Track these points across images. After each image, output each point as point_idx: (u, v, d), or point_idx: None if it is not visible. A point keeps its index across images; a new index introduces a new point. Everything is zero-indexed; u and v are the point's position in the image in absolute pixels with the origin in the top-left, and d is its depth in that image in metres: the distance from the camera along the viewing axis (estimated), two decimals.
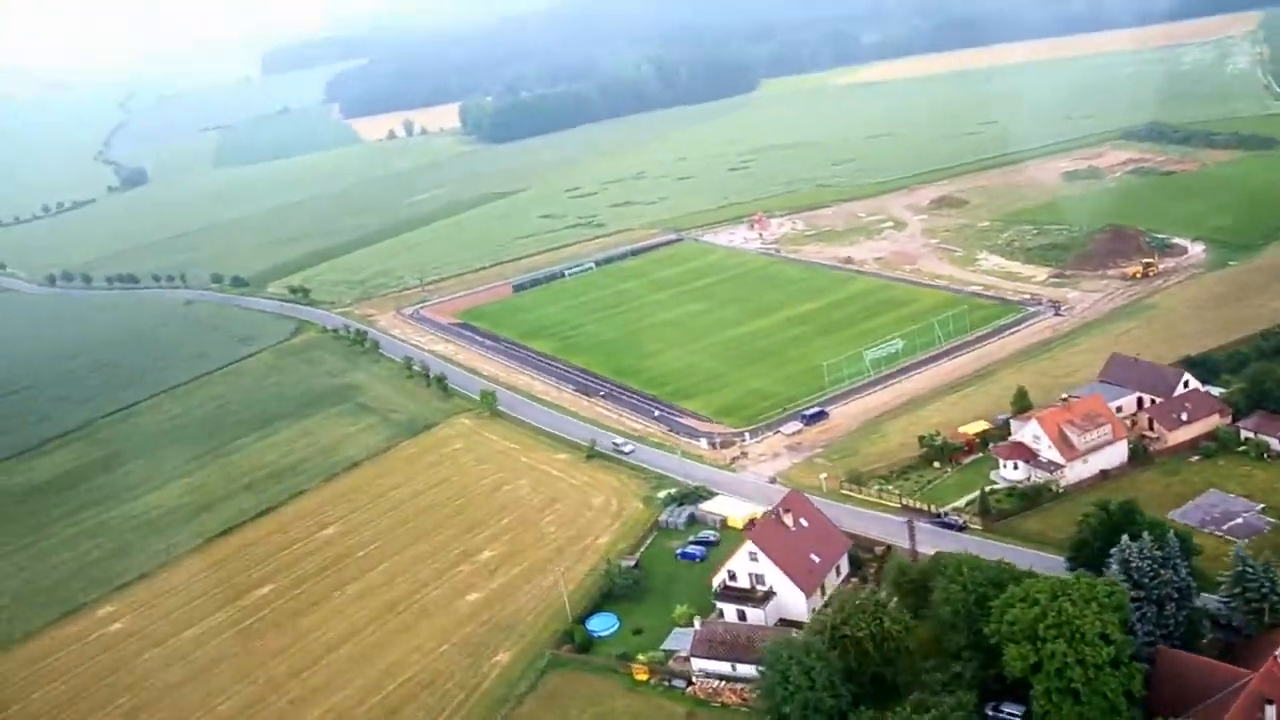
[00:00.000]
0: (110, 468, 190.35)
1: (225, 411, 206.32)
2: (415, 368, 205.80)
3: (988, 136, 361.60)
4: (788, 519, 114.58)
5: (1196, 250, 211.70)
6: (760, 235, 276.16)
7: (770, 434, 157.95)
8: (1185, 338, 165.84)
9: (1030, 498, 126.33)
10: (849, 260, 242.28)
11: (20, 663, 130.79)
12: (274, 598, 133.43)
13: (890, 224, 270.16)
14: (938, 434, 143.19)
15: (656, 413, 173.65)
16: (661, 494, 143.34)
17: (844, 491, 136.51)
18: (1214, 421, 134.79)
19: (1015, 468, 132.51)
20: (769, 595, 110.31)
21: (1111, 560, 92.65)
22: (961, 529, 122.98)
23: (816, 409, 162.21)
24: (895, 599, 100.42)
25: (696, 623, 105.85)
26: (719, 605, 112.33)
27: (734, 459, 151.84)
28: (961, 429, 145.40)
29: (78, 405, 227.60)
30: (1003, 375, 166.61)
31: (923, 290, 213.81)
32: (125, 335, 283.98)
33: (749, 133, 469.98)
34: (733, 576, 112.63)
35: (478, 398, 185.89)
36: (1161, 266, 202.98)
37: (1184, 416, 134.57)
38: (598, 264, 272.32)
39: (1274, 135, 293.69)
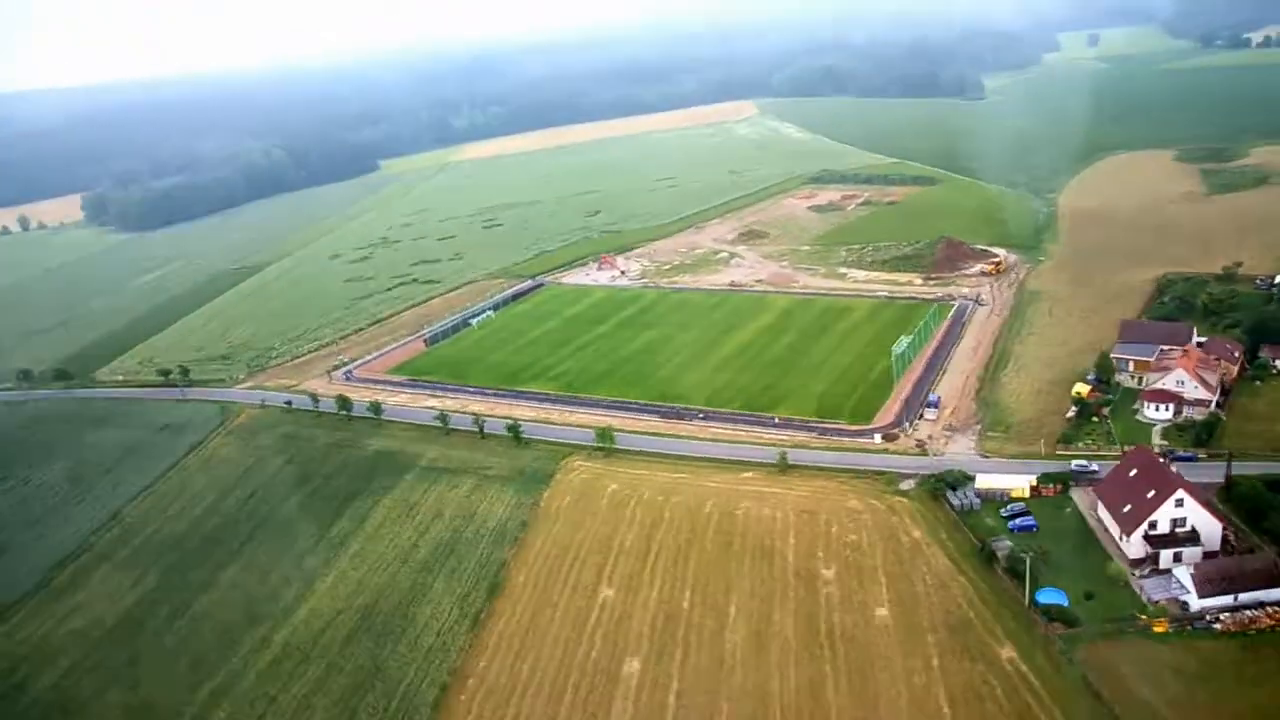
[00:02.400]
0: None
1: (258, 510, 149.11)
2: (449, 424, 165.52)
3: (689, 188, 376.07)
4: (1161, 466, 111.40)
5: (1000, 252, 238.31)
6: (622, 272, 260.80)
7: (917, 421, 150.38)
8: (1099, 309, 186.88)
9: (1210, 427, 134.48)
10: (736, 285, 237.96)
11: None
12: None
13: (724, 254, 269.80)
14: (1080, 394, 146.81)
15: (776, 420, 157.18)
16: (903, 485, 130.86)
17: (1059, 452, 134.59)
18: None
19: (1166, 409, 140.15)
20: (1194, 535, 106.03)
21: None
22: (1193, 460, 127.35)
23: (934, 395, 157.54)
24: None
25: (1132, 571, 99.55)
26: (1158, 552, 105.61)
27: (920, 445, 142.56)
28: (1074, 389, 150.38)
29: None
30: (1011, 350, 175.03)
31: (849, 300, 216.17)
32: None
33: (448, 199, 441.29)
34: (1153, 526, 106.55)
35: (557, 443, 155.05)
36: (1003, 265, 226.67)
37: (1238, 354, 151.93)
38: (493, 310, 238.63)
39: (931, 176, 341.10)
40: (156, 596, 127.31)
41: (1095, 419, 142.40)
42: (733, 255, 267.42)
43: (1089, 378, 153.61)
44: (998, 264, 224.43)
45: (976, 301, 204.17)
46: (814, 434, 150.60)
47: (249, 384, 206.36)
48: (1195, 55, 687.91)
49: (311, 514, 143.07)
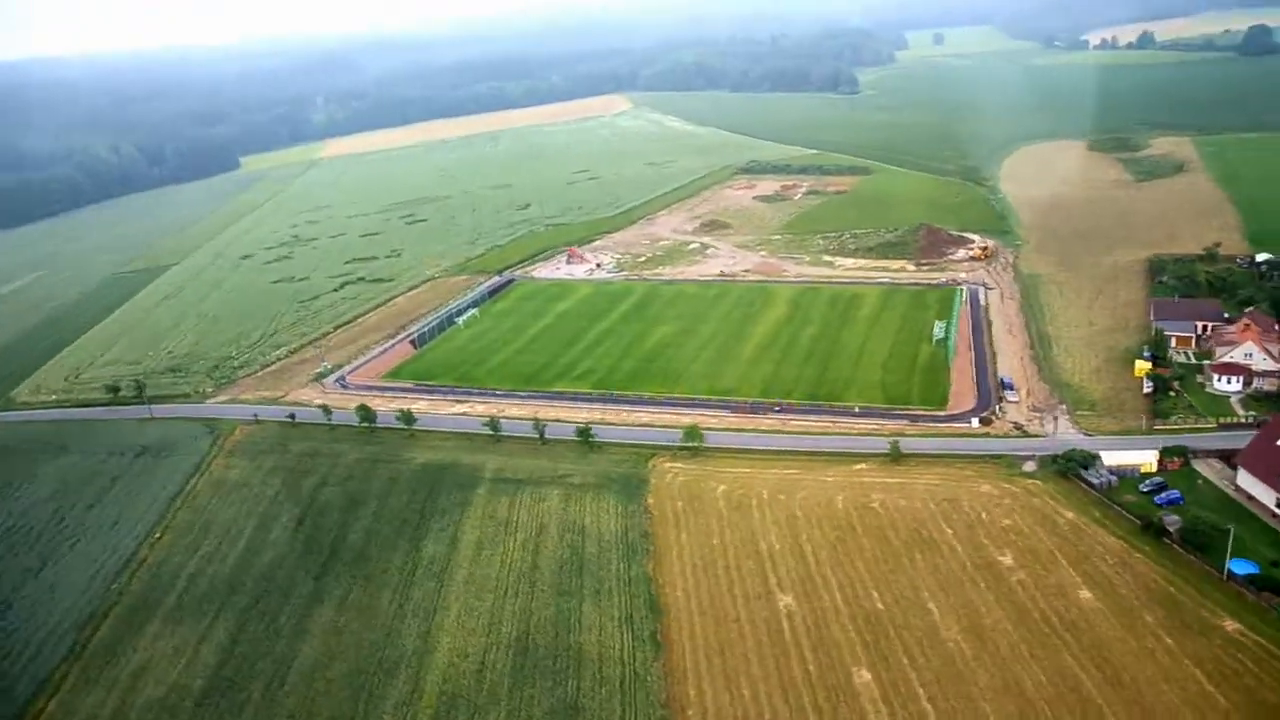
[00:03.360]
0: None
1: (319, 539, 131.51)
2: (500, 430, 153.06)
3: (611, 181, 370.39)
4: None
5: (975, 238, 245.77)
6: (597, 265, 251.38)
7: (1004, 405, 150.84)
8: (1104, 290, 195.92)
9: None
10: (727, 275, 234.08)
11: None
12: None
13: (695, 245, 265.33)
14: (1148, 371, 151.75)
15: (857, 410, 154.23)
16: (1026, 467, 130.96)
17: (1157, 427, 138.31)
18: None
19: (1235, 381, 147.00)
20: None
21: None
22: None
23: (1006, 378, 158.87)
24: None
25: None
26: None
27: (1018, 427, 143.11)
28: (1138, 367, 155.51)
29: None
30: (1045, 331, 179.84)
31: (854, 287, 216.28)
32: None
33: (342, 195, 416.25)
34: None
35: (633, 444, 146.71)
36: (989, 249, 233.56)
37: (1277, 327, 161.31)
38: (473, 308, 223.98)
39: (865, 166, 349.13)
40: (243, 651, 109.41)
41: (1171, 394, 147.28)
42: (705, 246, 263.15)
43: (1145, 354, 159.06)
44: (985, 249, 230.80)
45: (984, 286, 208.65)
46: (904, 422, 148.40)
47: (222, 398, 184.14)
48: (1043, 54, 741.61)
49: (388, 539, 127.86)
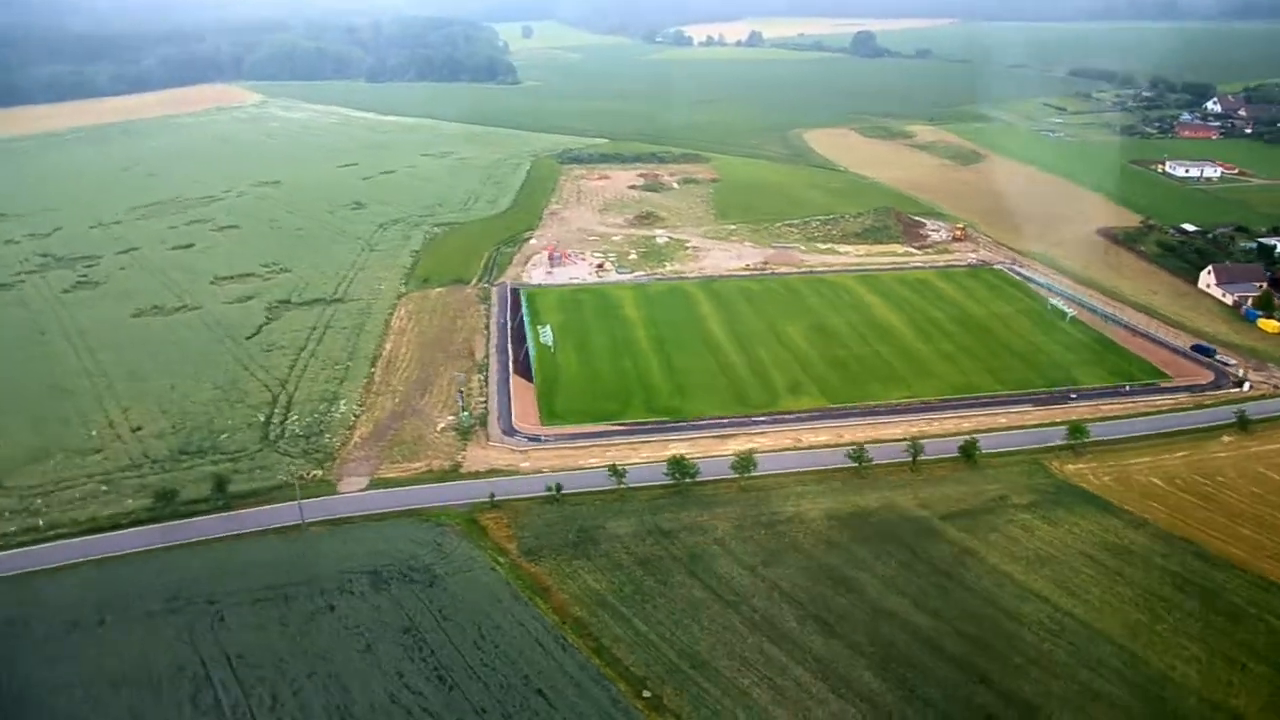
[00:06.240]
0: None
1: None
2: (864, 461, 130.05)
3: (430, 178, 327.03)
4: None
5: (928, 221, 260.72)
6: (600, 265, 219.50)
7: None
8: (1110, 264, 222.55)
9: None
10: (757, 269, 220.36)
11: None
12: None
13: (662, 239, 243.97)
14: None
15: (1127, 388, 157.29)
16: None
17: None
18: None
19: None
20: None
21: None
22: None
23: (1204, 344, 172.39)
24: None
25: None
26: None
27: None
28: (1260, 324, 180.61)
29: None
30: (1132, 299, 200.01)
31: (900, 273, 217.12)
32: None
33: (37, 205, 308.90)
34: None
35: (1004, 452, 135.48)
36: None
37: None
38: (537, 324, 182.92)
39: (697, 154, 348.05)
40: None
41: None
42: (672, 240, 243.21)
43: (1253, 313, 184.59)
44: (962, 229, 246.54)
45: (1014, 265, 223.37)
46: (1183, 395, 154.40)
47: (358, 479, 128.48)
48: (659, 50, 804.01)
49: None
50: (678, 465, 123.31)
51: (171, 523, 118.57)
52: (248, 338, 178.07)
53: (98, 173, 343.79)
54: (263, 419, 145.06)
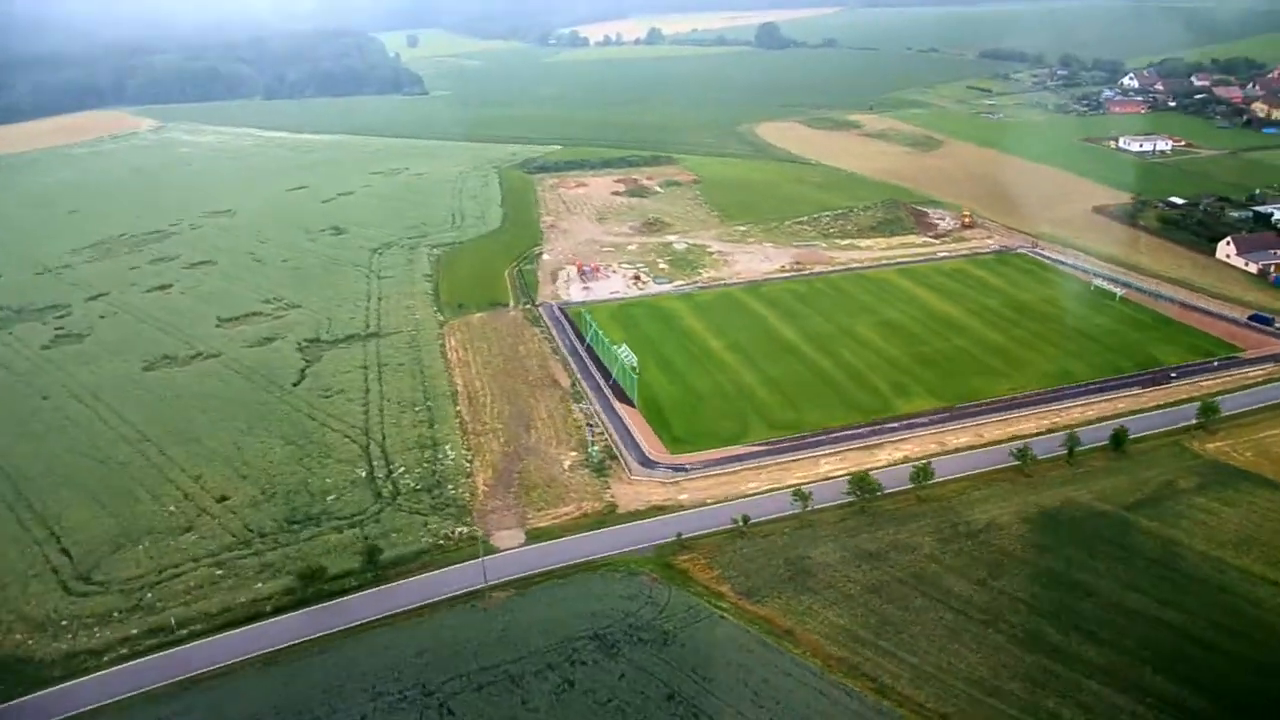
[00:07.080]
0: None
1: None
2: (1029, 458, 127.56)
3: (391, 194, 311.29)
4: None
5: (930, 210, 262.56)
6: (636, 277, 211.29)
7: None
8: (1118, 240, 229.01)
9: None
10: (792, 270, 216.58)
11: None
12: None
13: (681, 246, 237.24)
14: None
15: (1215, 363, 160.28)
16: None
17: None
18: None
19: None
20: None
21: None
22: None
23: (1264, 315, 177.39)
24: None
25: None
26: None
27: None
28: None
29: None
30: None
31: (938, 263, 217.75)
32: None
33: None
34: None
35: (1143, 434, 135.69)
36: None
37: None
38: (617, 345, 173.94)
39: (667, 156, 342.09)
40: None
41: None
42: (691, 246, 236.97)
43: None
44: (969, 216, 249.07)
45: (1035, 248, 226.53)
46: (1269, 365, 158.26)
47: (510, 531, 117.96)
48: (554, 53, 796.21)
49: None
50: (861, 482, 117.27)
51: (324, 604, 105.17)
52: (294, 384, 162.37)
53: (9, 214, 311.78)
54: (363, 474, 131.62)
